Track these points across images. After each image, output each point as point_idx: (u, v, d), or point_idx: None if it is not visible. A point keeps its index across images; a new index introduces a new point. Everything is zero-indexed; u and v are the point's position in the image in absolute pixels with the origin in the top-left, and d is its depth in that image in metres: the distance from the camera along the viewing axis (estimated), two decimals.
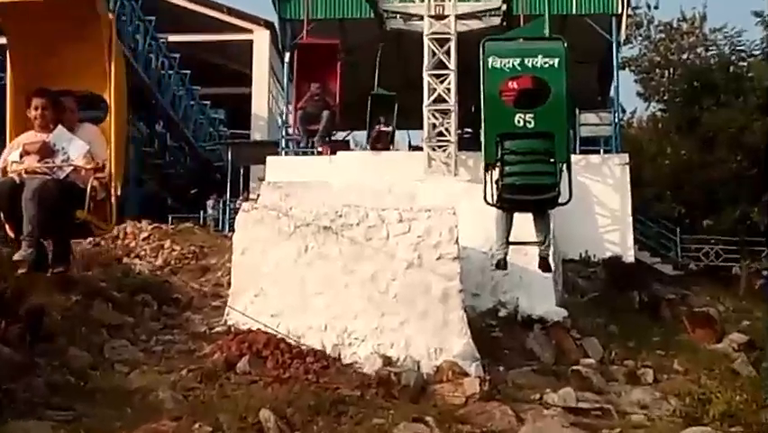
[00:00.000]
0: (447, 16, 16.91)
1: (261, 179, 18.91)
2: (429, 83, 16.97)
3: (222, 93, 32.47)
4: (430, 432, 8.81)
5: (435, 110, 16.99)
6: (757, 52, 25.35)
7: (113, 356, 10.08)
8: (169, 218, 22.34)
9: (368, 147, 19.85)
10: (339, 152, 18.70)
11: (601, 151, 19.37)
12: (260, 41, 31.95)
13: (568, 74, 8.26)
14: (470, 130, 19.42)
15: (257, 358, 10.15)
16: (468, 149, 16.79)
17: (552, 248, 8.91)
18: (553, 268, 9.40)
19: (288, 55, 21.11)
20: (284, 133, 21.78)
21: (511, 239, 8.64)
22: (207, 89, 31.62)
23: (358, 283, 11.31)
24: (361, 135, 21.35)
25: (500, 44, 8.69)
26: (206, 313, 12.73)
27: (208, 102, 32.62)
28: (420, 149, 17.88)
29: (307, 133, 19.27)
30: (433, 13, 17.01)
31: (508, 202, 8.33)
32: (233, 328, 11.20)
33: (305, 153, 20.25)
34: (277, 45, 25.31)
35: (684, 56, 27.44)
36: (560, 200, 8.30)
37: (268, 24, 29.90)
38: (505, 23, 16.85)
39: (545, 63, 8.24)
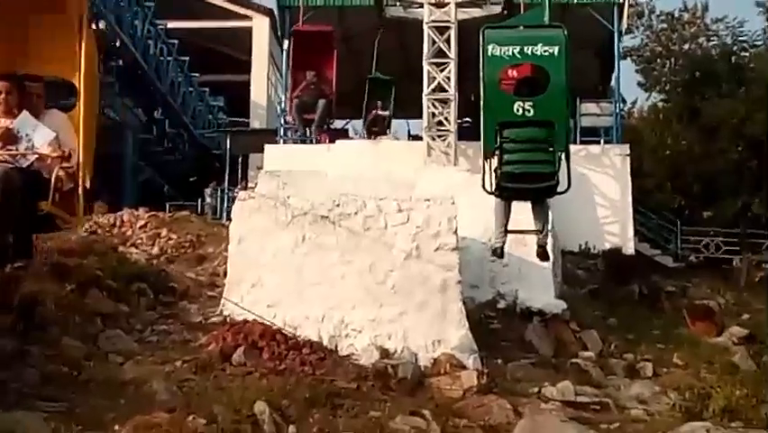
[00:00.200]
0: (447, 4, 16.79)
1: (260, 168, 18.79)
2: (429, 72, 16.84)
3: (221, 80, 32.36)
4: (427, 426, 8.71)
5: (435, 99, 16.88)
6: (759, 43, 25.38)
7: (107, 346, 9.92)
8: (167, 206, 22.20)
9: (364, 131, 19.73)
10: (338, 141, 18.59)
11: (602, 141, 19.27)
12: (260, 28, 31.84)
13: (568, 62, 8.18)
14: (469, 119, 19.30)
15: (252, 349, 10.01)
16: (468, 138, 16.68)
17: (550, 237, 8.88)
18: (551, 257, 9.35)
19: (286, 42, 20.98)
20: (282, 122, 21.69)
21: (509, 228, 8.59)
22: (206, 76, 31.48)
23: (355, 274, 11.17)
24: (361, 124, 21.26)
25: (500, 32, 8.62)
26: (202, 303, 12.60)
27: (207, 89, 32.46)
28: (420, 138, 17.76)
29: (304, 123, 19.15)
30: (433, 0, 16.85)
31: (507, 190, 8.30)
32: (228, 319, 11.06)
33: (303, 142, 20.13)
34: (276, 32, 25.17)
35: (686, 46, 27.36)
36: (558, 189, 8.27)
37: (267, 11, 29.74)
38: (505, 11, 16.72)
39: (545, 51, 8.18)
